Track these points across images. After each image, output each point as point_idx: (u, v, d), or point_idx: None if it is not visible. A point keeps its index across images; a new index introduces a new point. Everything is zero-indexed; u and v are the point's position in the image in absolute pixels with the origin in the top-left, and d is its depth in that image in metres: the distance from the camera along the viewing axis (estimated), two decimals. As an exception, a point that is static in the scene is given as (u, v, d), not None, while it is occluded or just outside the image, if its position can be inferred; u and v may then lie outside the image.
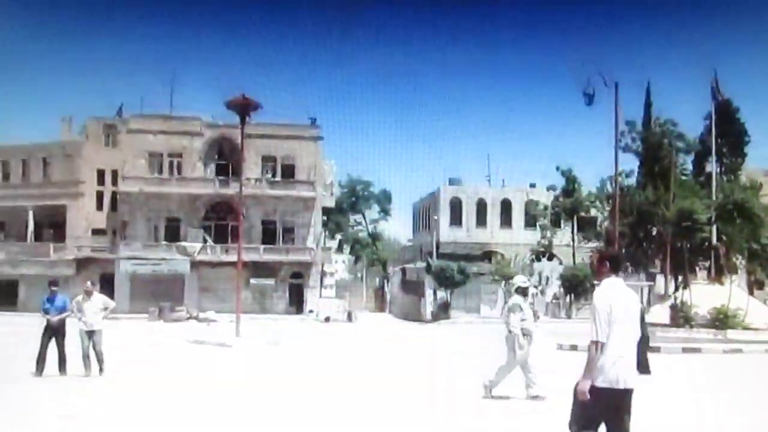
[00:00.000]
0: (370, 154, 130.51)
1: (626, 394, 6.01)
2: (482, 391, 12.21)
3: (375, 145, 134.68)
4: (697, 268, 37.07)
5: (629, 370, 6.04)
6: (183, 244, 53.70)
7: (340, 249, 74.62)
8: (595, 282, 6.72)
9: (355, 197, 68.42)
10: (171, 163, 56.23)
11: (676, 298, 29.02)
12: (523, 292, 12.72)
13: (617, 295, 6.16)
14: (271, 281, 54.08)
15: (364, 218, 69.01)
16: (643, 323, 17.76)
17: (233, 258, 42.60)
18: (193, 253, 53.43)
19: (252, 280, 51.83)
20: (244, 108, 27.56)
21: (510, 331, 12.26)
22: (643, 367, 17.31)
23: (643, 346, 17.77)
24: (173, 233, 55.07)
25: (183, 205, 55.06)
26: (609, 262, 6.46)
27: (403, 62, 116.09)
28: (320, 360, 20.69)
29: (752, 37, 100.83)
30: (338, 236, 71.25)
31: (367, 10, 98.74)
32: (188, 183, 55.59)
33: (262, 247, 54.43)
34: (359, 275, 76.99)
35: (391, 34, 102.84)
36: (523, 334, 12.28)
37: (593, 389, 5.87)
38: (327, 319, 48.97)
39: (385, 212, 69.38)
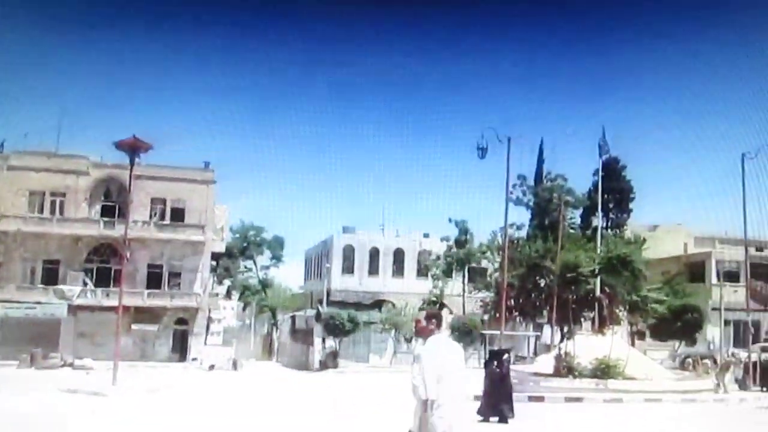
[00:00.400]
0: (265, 200, 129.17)
1: None
2: None
3: (270, 191, 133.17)
4: (582, 319, 37.67)
5: (455, 421, 6.23)
6: (61, 287, 51.16)
7: (228, 295, 73.01)
8: (419, 339, 6.89)
9: (246, 243, 67.22)
10: (53, 203, 53.72)
11: (560, 349, 29.27)
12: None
13: (445, 353, 6.46)
14: (154, 327, 52.04)
15: (255, 264, 67.84)
16: (501, 366, 17.82)
17: (115, 302, 40.74)
18: (72, 296, 50.93)
19: (134, 326, 49.70)
20: (133, 148, 26.83)
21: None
22: (504, 411, 17.28)
23: (506, 391, 17.77)
24: (51, 276, 52.38)
25: (63, 246, 52.56)
26: (434, 320, 6.78)
27: (306, 109, 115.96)
28: (195, 410, 19.71)
29: (639, 96, 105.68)
30: (227, 282, 69.71)
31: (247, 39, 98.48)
32: (70, 223, 53.14)
33: (146, 291, 52.43)
34: (248, 322, 75.32)
35: (284, 75, 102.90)
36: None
37: None
38: (211, 367, 47.35)
39: (276, 259, 68.40)
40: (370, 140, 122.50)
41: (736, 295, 47.12)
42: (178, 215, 55.25)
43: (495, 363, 18.79)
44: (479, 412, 17.40)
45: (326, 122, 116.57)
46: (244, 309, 78.19)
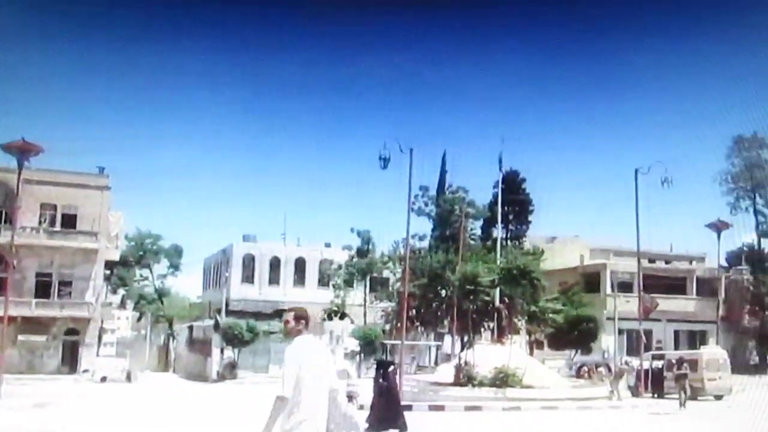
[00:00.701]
0: (163, 208, 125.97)
1: None
2: None
3: (168, 199, 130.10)
4: (482, 329, 37.98)
5: (316, 427, 6.20)
6: (-59, 296, 48.32)
7: (123, 305, 70.71)
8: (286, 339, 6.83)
9: (143, 251, 65.13)
10: (-67, 208, 50.80)
11: (460, 358, 29.40)
12: (350, 356, 12.37)
13: (308, 352, 6.42)
14: (42, 338, 49.68)
15: (152, 273, 65.75)
16: (387, 378, 17.61)
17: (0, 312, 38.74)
18: (-47, 305, 48.13)
19: (21, 337, 47.33)
20: (22, 151, 25.63)
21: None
22: (393, 424, 17.11)
23: (393, 401, 17.60)
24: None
25: (-56, 252, 49.72)
26: (302, 320, 6.76)
27: (204, 116, 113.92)
28: (85, 424, 18.76)
29: (539, 110, 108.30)
30: (122, 291, 67.42)
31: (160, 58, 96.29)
32: (-48, 228, 50.34)
33: (34, 300, 50.03)
34: (143, 333, 73.07)
35: (181, 79, 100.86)
36: (350, 398, 11.68)
37: None
38: (103, 379, 45.56)
39: (174, 267, 66.49)
40: (272, 148, 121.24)
41: (629, 305, 48.60)
42: (69, 221, 53.01)
43: (381, 374, 18.54)
44: (368, 423, 17.20)
45: (226, 129, 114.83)
46: (139, 319, 75.83)
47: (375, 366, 20.55)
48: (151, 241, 65.44)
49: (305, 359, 6.38)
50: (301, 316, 6.83)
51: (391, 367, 19.09)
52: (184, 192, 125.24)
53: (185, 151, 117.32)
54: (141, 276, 66.73)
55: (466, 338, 35.80)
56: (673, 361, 35.26)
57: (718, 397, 31.23)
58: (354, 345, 13.01)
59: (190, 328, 60.11)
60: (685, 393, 26.75)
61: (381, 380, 18.04)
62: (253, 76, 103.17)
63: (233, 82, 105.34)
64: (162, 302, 66.77)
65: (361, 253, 56.86)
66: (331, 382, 6.52)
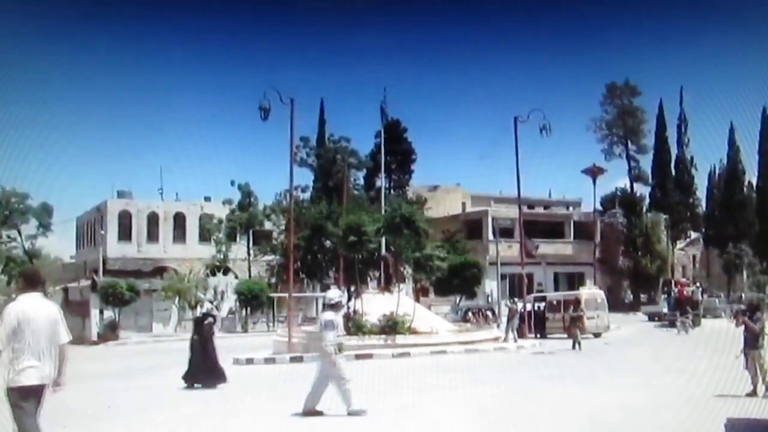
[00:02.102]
0: (28, 165, 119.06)
1: (32, 390, 7.06)
2: (352, 413, 11.56)
3: (34, 155, 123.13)
4: (369, 278, 38.02)
5: (37, 372, 7.06)
6: None
7: (-12, 269, 66.99)
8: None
9: (8, 211, 61.48)
10: None
11: (348, 308, 29.18)
12: (335, 307, 12.34)
13: (27, 309, 7.14)
14: None
15: (20, 234, 62.27)
16: (201, 333, 17.29)
17: None
18: None
19: None
20: None
21: (323, 348, 11.92)
22: (207, 379, 16.90)
23: (209, 357, 17.34)
24: None
25: None
26: (25, 279, 7.64)
27: (78, 59, 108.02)
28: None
29: (420, 58, 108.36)
30: (-15, 254, 63.69)
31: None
32: None
33: None
34: (14, 297, 69.80)
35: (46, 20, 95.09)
36: (338, 350, 11.86)
37: (13, 390, 7.03)
38: (-28, 348, 43.09)
39: (44, 227, 63.10)
40: (145, 100, 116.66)
41: (510, 250, 49.74)
42: (-76, 182, 49.47)
43: (195, 330, 18.25)
44: (183, 379, 17.17)
45: (96, 78, 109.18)
46: (8, 283, 72.10)
47: (193, 322, 20.13)
48: (17, 200, 61.78)
49: (24, 315, 7.10)
50: (28, 276, 7.75)
51: (208, 320, 18.68)
52: (50, 147, 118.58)
53: (49, 103, 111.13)
54: (8, 237, 63.01)
55: (352, 288, 35.67)
56: (554, 303, 36.44)
57: (597, 335, 32.40)
58: (337, 296, 12.64)
59: (65, 289, 57.54)
60: (579, 334, 27.25)
61: (195, 336, 17.82)
62: (127, 20, 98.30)
63: (104, 28, 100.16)
64: (33, 264, 63.56)
65: (242, 206, 55.66)
66: (59, 336, 7.30)
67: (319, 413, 11.79)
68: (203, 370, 17.21)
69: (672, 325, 35.59)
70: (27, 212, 60.72)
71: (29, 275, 7.77)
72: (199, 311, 50.06)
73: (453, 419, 11.19)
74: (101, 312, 48.22)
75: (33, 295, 7.39)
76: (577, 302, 34.27)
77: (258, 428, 11.36)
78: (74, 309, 53.25)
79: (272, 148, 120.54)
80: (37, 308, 7.29)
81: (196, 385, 17.00)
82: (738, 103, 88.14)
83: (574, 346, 25.99)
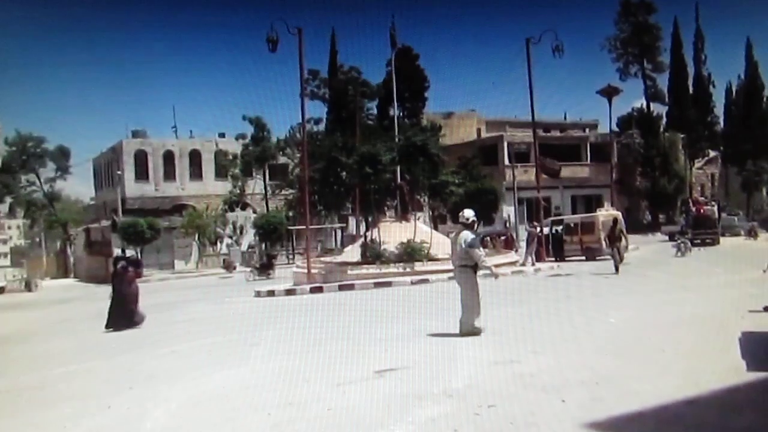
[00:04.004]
0: (42, 108, 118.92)
1: None
2: (468, 329, 11.67)
3: (47, 98, 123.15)
4: (386, 208, 38.02)
5: None
6: None
7: (12, 213, 67.54)
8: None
9: (26, 155, 61.77)
10: None
11: (366, 237, 29.36)
12: (472, 226, 12.07)
13: None
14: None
15: (39, 178, 62.64)
16: (116, 275, 17.09)
17: None
18: None
19: None
20: None
21: (463, 266, 11.87)
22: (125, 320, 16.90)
23: (128, 300, 17.27)
24: None
25: None
26: None
27: (80, 9, 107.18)
28: None
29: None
30: (9, 199, 64.19)
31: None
32: None
33: None
34: (38, 240, 70.42)
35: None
36: (476, 270, 11.85)
37: None
38: (0, 290, 43.87)
39: (62, 170, 63.47)
40: (155, 36, 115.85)
41: (527, 174, 49.55)
42: (-59, 130, 49.71)
43: (113, 273, 17.99)
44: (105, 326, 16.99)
45: (102, 23, 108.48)
46: (31, 227, 72.91)
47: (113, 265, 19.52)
48: (34, 144, 62.06)
49: None
50: None
51: (119, 264, 18.36)
52: (63, 91, 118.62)
53: (59, 49, 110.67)
54: (27, 182, 63.53)
55: (370, 218, 35.78)
56: (572, 225, 36.41)
57: (615, 256, 32.28)
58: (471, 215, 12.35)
59: (87, 230, 58.20)
60: (619, 256, 24.65)
61: (113, 279, 17.79)
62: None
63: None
64: (53, 207, 64.17)
65: (256, 140, 55.61)
66: None
67: (478, 332, 11.76)
68: (119, 312, 17.02)
69: (691, 243, 35.48)
70: (44, 156, 61.05)
71: None
72: (219, 247, 50.72)
73: (469, 342, 11.33)
74: (123, 251, 48.78)
75: None
76: (593, 224, 34.27)
77: (273, 361, 11.53)
78: (96, 250, 54.02)
79: (283, 82, 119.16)
80: None
81: (122, 327, 16.78)
82: (754, 18, 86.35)
83: (617, 270, 23.74)
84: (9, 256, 65.46)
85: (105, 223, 54.36)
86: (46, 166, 62.97)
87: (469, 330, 11.74)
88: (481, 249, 11.96)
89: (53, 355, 13.92)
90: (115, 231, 48.71)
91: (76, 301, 31.55)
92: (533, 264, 29.68)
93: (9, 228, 65.75)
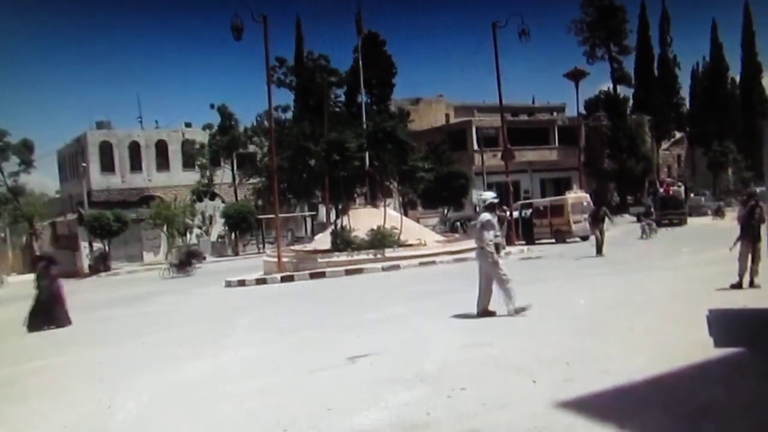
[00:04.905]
0: (2, 101, 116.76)
1: None
2: (511, 312, 11.53)
3: (8, 93, 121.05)
4: (356, 195, 38.02)
5: None
6: None
7: (-25, 209, 66.43)
8: None
9: (-13, 149, 60.77)
10: None
11: (336, 225, 29.33)
12: (492, 207, 12.10)
13: None
14: None
15: (2, 172, 61.67)
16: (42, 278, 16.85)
17: None
18: None
19: None
20: None
21: (482, 248, 11.81)
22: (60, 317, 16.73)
23: (50, 301, 17.01)
24: None
25: None
26: None
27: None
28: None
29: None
30: (-33, 195, 63.12)
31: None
32: None
33: None
34: (2, 235, 69.44)
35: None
36: (497, 250, 11.77)
37: None
38: (-36, 288, 43.21)
39: (26, 164, 62.62)
40: (119, 24, 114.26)
41: (496, 159, 49.71)
42: None
43: (36, 276, 17.70)
44: (28, 327, 16.62)
45: (67, 7, 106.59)
46: (-6, 221, 71.90)
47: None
48: (-5, 138, 61.02)
49: None
50: None
51: (40, 264, 18.15)
52: (25, 82, 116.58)
53: (21, 37, 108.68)
54: (-10, 176, 62.50)
55: (339, 205, 35.72)
56: (541, 209, 36.64)
57: (584, 238, 32.58)
58: (491, 197, 12.14)
59: (53, 224, 57.49)
60: (600, 236, 24.59)
61: (36, 279, 17.48)
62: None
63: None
64: (18, 201, 63.24)
65: (223, 129, 55.20)
66: None
67: (492, 313, 11.75)
68: (45, 312, 16.74)
69: (658, 224, 35.86)
70: (7, 149, 60.02)
71: None
72: (189, 237, 50.31)
73: (439, 327, 11.36)
74: (90, 244, 48.29)
75: None
76: (562, 207, 34.55)
77: (257, 346, 11.48)
78: (63, 243, 53.37)
79: (249, 70, 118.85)
80: None
81: (44, 327, 16.53)
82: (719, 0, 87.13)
83: (599, 251, 23.91)
84: (-31, 252, 64.15)
85: (71, 216, 53.72)
86: (8, 160, 61.95)
87: (479, 310, 11.88)
88: (492, 231, 11.84)
89: (23, 351, 13.74)
90: (82, 224, 48.13)
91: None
92: (503, 247, 29.77)
93: (-30, 223, 64.58)
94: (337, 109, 58.57)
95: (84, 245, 48.31)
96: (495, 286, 11.84)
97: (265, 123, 50.65)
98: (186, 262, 35.46)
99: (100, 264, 45.81)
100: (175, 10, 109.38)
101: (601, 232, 24.66)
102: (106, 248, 47.11)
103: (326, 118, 47.06)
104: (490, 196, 12.48)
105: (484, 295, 11.92)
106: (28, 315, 16.79)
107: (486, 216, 11.97)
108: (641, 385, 6.90)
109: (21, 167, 61.65)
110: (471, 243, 29.33)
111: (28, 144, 62.50)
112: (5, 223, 64.39)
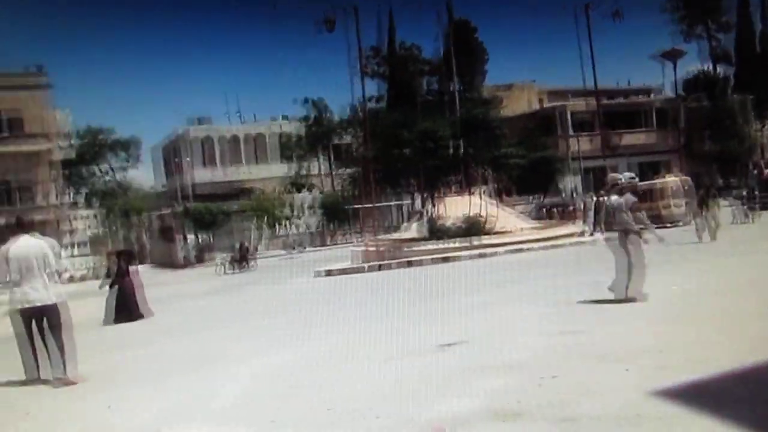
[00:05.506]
0: (108, 100, 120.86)
1: (36, 309, 9.12)
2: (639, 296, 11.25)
3: (113, 91, 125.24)
4: (450, 182, 38.05)
5: (33, 295, 9.05)
6: None
7: (88, 203, 69.49)
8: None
9: (98, 146, 63.63)
10: None
11: (429, 213, 29.43)
12: (621, 189, 11.72)
13: (16, 246, 9.13)
14: (11, 246, 48.85)
15: (111, 168, 64.45)
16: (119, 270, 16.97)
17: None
18: None
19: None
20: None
21: (625, 230, 11.35)
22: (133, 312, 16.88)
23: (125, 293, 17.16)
24: None
25: None
26: (20, 225, 9.50)
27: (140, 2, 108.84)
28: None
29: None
30: (83, 190, 66.20)
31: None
32: None
33: (-4, 209, 48.92)
34: (113, 228, 72.39)
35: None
36: (626, 234, 11.37)
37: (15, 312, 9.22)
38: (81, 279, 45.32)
39: (133, 159, 65.33)
40: (212, 25, 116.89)
41: (591, 144, 48.78)
42: (16, 125, 51.14)
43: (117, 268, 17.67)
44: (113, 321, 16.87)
45: (161, 15, 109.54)
46: (107, 215, 74.94)
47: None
48: (105, 135, 63.89)
49: (13, 251, 9.11)
50: (19, 223, 9.59)
51: (122, 257, 18.23)
52: (127, 82, 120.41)
53: (121, 40, 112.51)
54: (100, 172, 65.44)
55: (433, 194, 35.81)
56: (639, 192, 35.63)
57: (685, 223, 31.52)
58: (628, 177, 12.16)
59: (160, 217, 59.69)
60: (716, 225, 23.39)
61: (114, 275, 17.54)
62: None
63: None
64: (127, 195, 65.94)
65: (319, 121, 56.03)
66: (49, 265, 9.22)
67: (632, 299, 11.30)
68: (123, 307, 16.98)
69: (762, 207, 34.32)
70: (115, 146, 62.75)
71: (18, 221, 9.71)
72: (289, 228, 51.37)
73: (529, 314, 11.35)
74: (195, 236, 49.94)
75: (23, 236, 9.28)
76: (654, 192, 33.62)
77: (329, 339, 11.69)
78: (168, 236, 55.28)
79: (344, 60, 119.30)
80: (27, 245, 9.18)
81: (123, 321, 16.73)
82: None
83: (713, 236, 22.73)
84: (88, 245, 67.17)
85: (177, 209, 55.61)
86: (117, 157, 64.75)
87: (629, 295, 11.35)
88: (630, 212, 11.41)
89: (124, 339, 14.37)
90: (188, 217, 49.75)
91: (151, 288, 32.30)
92: (591, 234, 29.14)
93: (86, 218, 67.67)
94: (430, 98, 58.58)
95: (190, 237, 49.86)
96: (630, 269, 11.36)
97: (359, 114, 51.14)
98: (242, 257, 35.04)
99: (205, 254, 47.17)
100: (262, 5, 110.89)
101: (714, 217, 23.65)
102: (210, 240, 48.60)
103: (418, 108, 47.14)
104: (626, 176, 12.11)
105: (626, 278, 11.41)
106: (107, 309, 17.03)
107: (617, 198, 11.57)
108: (740, 375, 6.74)
109: (129, 163, 64.34)
110: (564, 229, 29.11)
111: (135, 140, 65.26)
112: (116, 217, 67.18)
